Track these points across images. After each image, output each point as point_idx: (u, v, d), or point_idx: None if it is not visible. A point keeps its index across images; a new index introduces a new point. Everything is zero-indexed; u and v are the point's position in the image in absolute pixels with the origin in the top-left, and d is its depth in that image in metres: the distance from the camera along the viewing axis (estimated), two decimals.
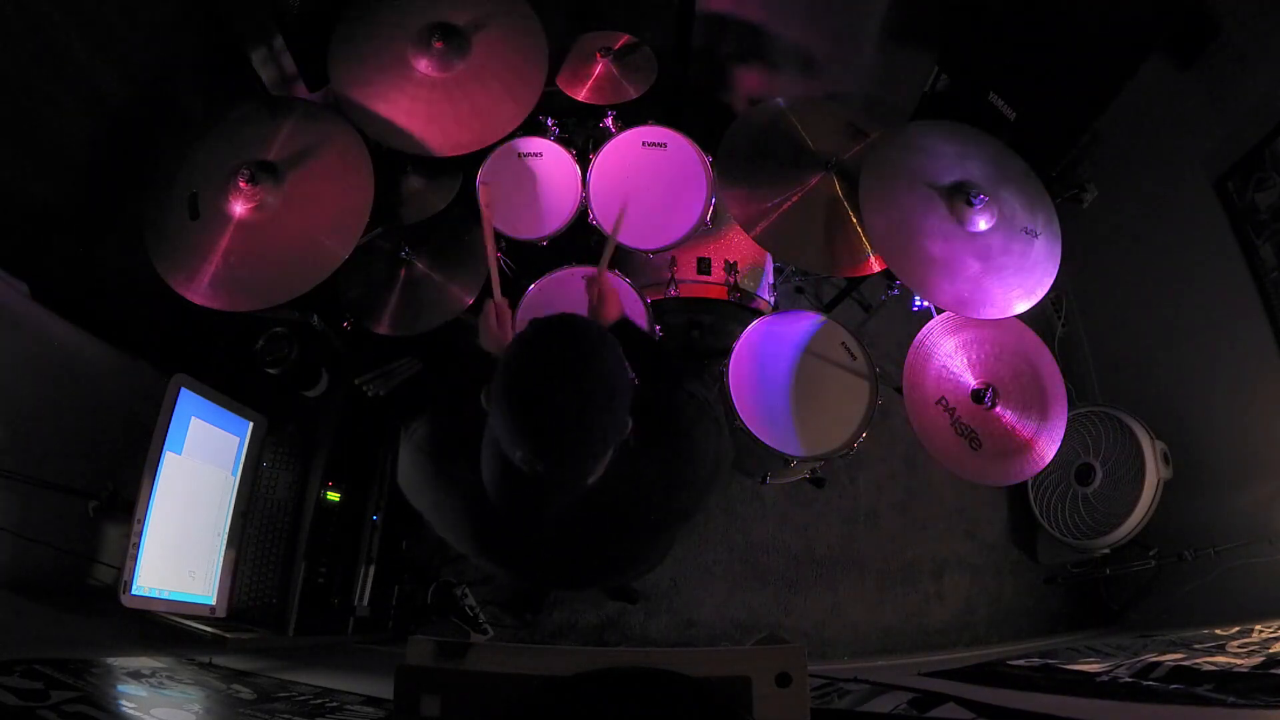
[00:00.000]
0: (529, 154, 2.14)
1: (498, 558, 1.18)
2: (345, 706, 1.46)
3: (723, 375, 1.95)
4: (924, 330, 1.96)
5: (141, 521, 1.48)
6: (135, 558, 1.46)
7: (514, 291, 2.01)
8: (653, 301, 2.03)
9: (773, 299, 2.27)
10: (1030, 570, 2.66)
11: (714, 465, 1.14)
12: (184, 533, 1.61)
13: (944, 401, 1.91)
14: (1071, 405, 2.08)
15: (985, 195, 1.77)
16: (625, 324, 1.37)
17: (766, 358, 1.98)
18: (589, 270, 2.02)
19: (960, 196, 1.78)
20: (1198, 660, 1.62)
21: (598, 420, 0.89)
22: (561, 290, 1.99)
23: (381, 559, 2.01)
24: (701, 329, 2.26)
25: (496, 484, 0.99)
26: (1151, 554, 2.28)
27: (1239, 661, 1.56)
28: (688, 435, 1.12)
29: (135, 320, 1.84)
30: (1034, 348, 1.98)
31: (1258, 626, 1.80)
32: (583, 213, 2.07)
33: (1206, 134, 2.12)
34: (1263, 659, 1.53)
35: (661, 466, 1.09)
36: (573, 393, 0.88)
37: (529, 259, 2.24)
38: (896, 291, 2.13)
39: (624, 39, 2.26)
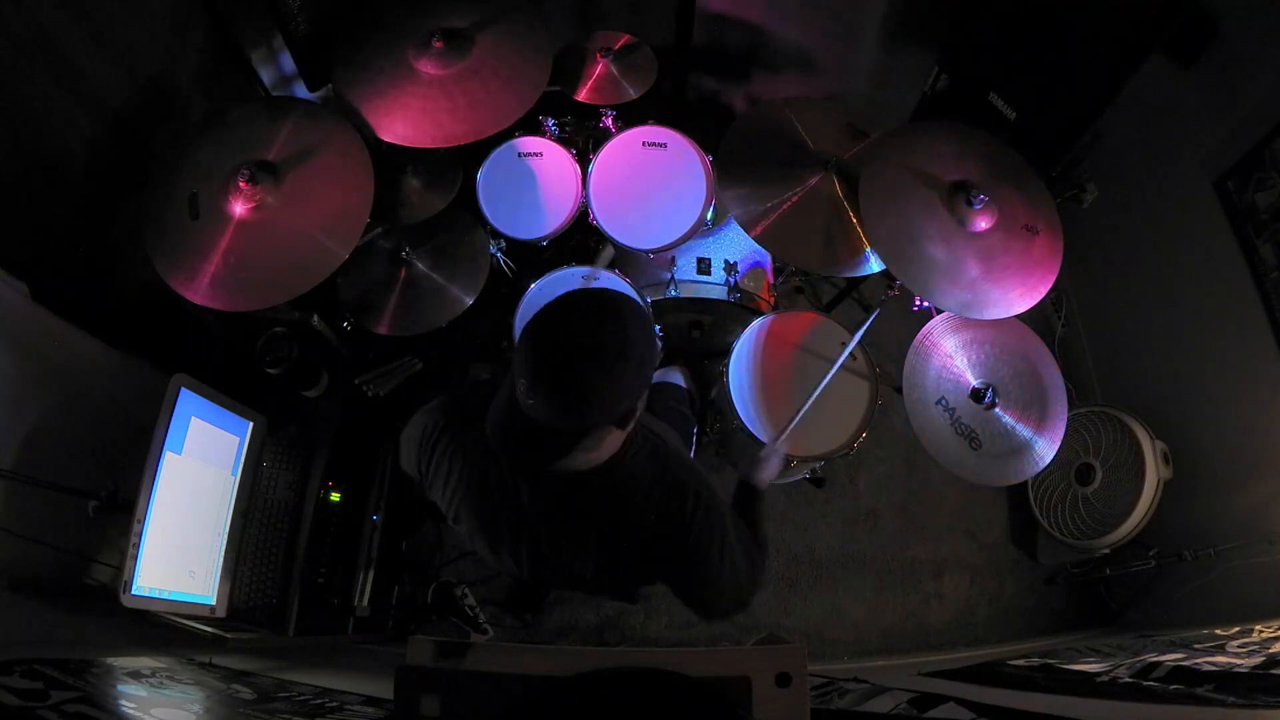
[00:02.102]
0: (528, 154, 2.14)
1: (482, 525, 1.19)
2: (345, 706, 1.46)
3: (723, 375, 1.95)
4: (924, 330, 1.95)
5: (141, 521, 1.48)
6: (135, 558, 1.46)
7: (514, 291, 2.01)
8: (653, 301, 2.04)
9: (773, 299, 2.27)
10: (1030, 570, 2.66)
11: (713, 552, 1.15)
12: (184, 533, 1.61)
13: (944, 401, 1.91)
14: (1071, 405, 2.08)
15: (985, 195, 1.77)
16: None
17: (766, 358, 1.98)
18: (589, 270, 2.02)
19: (960, 196, 1.78)
20: (1198, 660, 1.62)
21: (597, 371, 0.93)
22: (561, 290, 1.99)
23: (381, 559, 2.01)
24: (701, 329, 2.26)
25: (499, 424, 1.01)
26: (1151, 554, 2.28)
27: (1239, 661, 1.56)
28: (694, 496, 1.14)
29: (135, 320, 1.84)
30: (1034, 348, 1.98)
31: (1258, 626, 1.80)
32: (583, 213, 2.07)
33: (1206, 134, 2.12)
34: (1263, 659, 1.53)
35: (652, 501, 1.11)
36: (585, 336, 0.93)
37: (529, 259, 2.25)
38: (896, 291, 2.13)
39: (624, 39, 2.26)
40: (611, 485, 1.09)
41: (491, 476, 1.12)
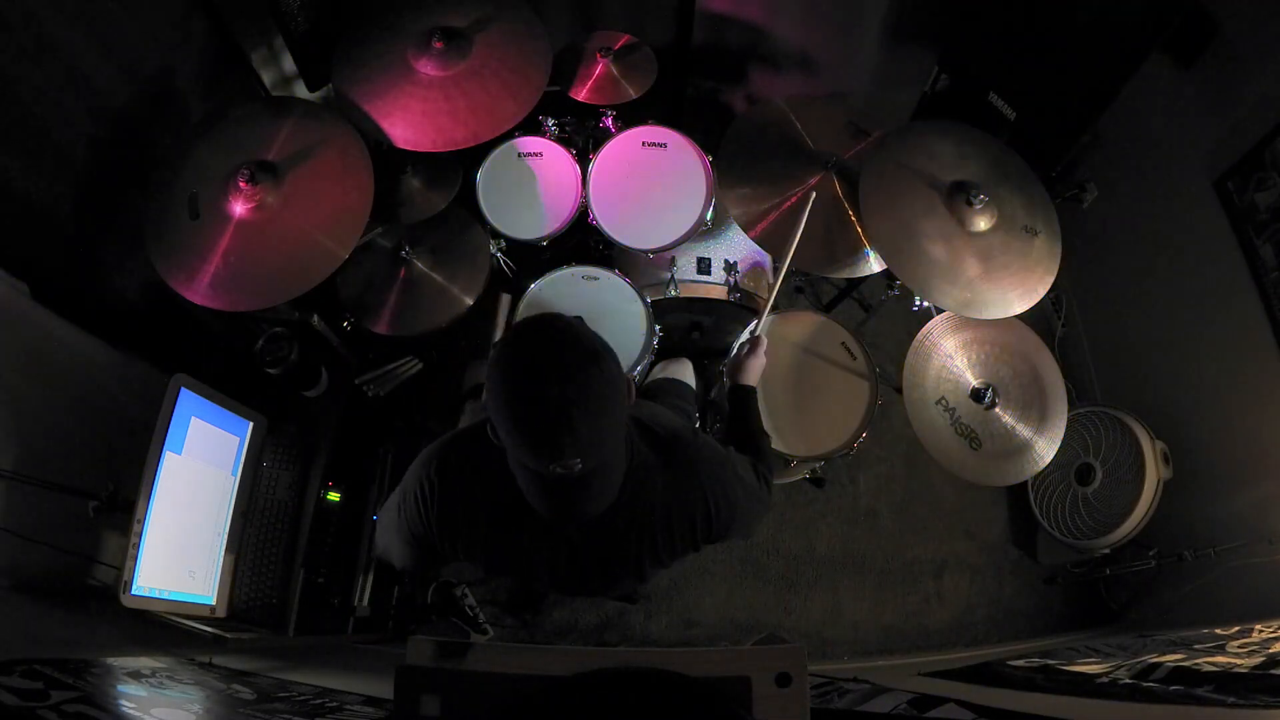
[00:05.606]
0: (529, 154, 2.14)
1: (517, 570, 1.22)
2: (345, 706, 1.46)
3: (723, 375, 1.95)
4: (924, 330, 1.96)
5: (141, 521, 1.48)
6: (135, 558, 1.46)
7: (514, 292, 2.01)
8: (653, 301, 2.03)
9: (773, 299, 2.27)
10: (1030, 570, 2.66)
11: (722, 509, 1.15)
12: (184, 533, 1.61)
13: (944, 401, 1.91)
14: (1071, 405, 2.08)
15: (985, 195, 1.77)
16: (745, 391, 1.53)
17: (767, 358, 1.98)
18: (590, 270, 2.02)
19: (960, 196, 1.78)
20: (1198, 660, 1.62)
21: (583, 392, 0.90)
22: (561, 290, 1.99)
23: (381, 559, 2.01)
24: (701, 329, 2.26)
25: (547, 509, 1.02)
26: (1151, 554, 2.28)
27: (1239, 661, 1.56)
28: (709, 467, 1.16)
29: (135, 320, 1.84)
30: (1034, 348, 1.98)
31: (1258, 626, 1.80)
32: (583, 213, 2.07)
33: (1206, 134, 2.12)
34: (1263, 659, 1.54)
35: (668, 486, 1.11)
36: (552, 375, 0.90)
37: (529, 259, 2.24)
38: (896, 291, 2.13)
39: (624, 39, 2.27)
40: (633, 490, 1.08)
41: (514, 521, 1.11)
